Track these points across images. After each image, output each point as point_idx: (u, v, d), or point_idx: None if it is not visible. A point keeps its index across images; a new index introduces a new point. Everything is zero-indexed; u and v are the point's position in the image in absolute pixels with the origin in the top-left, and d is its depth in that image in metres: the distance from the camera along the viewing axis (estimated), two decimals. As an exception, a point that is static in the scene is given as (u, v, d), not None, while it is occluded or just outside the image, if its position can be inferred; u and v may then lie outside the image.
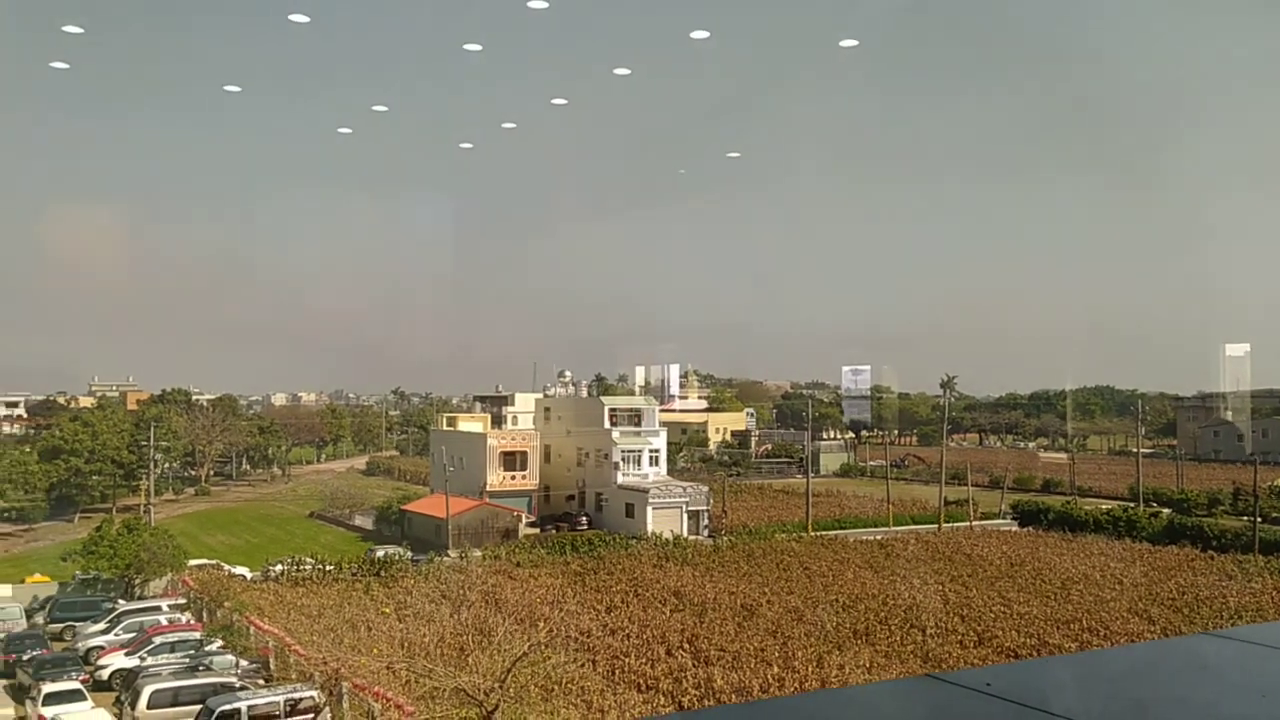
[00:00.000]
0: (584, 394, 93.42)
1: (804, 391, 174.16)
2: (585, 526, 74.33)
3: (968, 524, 74.18)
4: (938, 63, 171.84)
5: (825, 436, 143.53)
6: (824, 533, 69.42)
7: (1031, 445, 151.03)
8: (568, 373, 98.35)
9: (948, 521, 74.81)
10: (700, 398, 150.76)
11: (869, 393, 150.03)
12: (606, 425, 79.77)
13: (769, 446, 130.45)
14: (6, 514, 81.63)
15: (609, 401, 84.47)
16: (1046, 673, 4.44)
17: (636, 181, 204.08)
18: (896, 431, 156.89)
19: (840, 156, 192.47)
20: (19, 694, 36.62)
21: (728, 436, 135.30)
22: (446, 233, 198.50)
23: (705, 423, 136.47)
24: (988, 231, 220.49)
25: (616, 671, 34.09)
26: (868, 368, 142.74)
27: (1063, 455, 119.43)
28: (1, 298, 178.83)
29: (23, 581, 53.75)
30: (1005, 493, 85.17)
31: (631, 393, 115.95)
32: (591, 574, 53.00)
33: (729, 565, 55.54)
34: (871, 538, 65.91)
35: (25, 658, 38.28)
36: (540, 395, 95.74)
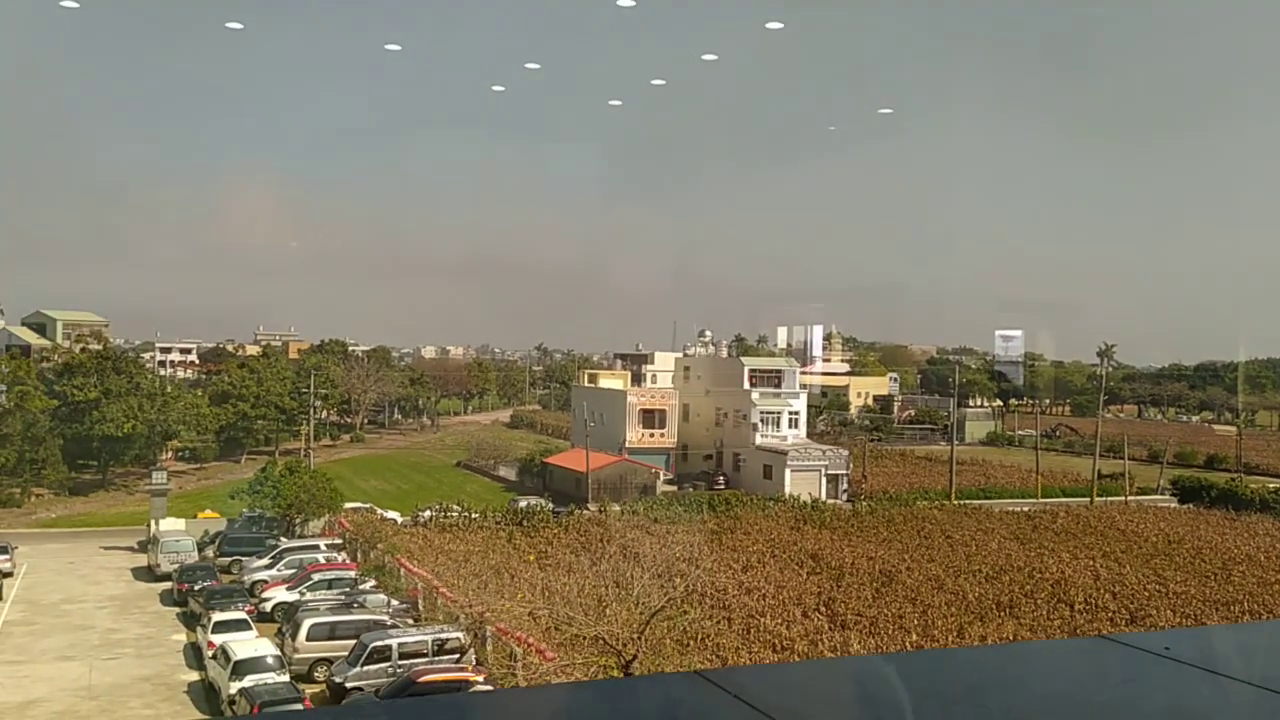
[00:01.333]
0: (724, 354, 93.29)
1: (950, 357, 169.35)
2: (723, 486, 74.52)
3: (1123, 499, 71.08)
4: (1099, 22, 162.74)
5: (972, 404, 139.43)
6: (968, 502, 67.69)
7: (1195, 419, 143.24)
8: (708, 332, 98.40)
9: (1101, 495, 71.82)
10: (843, 361, 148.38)
11: (1021, 359, 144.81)
12: (746, 386, 79.52)
13: (912, 412, 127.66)
14: (181, 453, 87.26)
15: (749, 362, 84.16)
16: (1231, 638, 4.19)
17: (786, 138, 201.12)
18: (1049, 400, 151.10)
19: (998, 115, 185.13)
20: (190, 621, 39.31)
21: (870, 401, 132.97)
22: (594, 190, 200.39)
23: (847, 386, 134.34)
24: (1155, 195, 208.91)
25: (751, 630, 34.22)
26: (1020, 333, 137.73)
27: (1230, 429, 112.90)
28: (180, 251, 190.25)
29: (195, 517, 57.36)
30: (1164, 467, 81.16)
31: (772, 354, 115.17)
32: (728, 533, 53.19)
33: (868, 530, 54.85)
34: (1018, 509, 63.88)
35: (197, 588, 40.93)
36: (680, 354, 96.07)
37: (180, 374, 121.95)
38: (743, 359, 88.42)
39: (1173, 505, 68.76)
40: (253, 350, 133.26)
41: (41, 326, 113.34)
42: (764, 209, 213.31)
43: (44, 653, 35.60)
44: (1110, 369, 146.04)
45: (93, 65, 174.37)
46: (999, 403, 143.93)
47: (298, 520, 54.53)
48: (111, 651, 35.87)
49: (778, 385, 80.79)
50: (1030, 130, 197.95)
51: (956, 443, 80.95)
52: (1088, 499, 70.68)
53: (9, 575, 45.80)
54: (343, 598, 38.80)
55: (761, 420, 77.40)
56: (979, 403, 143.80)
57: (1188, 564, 47.20)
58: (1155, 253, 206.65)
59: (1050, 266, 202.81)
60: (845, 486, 72.35)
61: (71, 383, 76.05)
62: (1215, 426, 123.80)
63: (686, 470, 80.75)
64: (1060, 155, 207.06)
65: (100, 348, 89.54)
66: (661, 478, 75.51)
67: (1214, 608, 39.01)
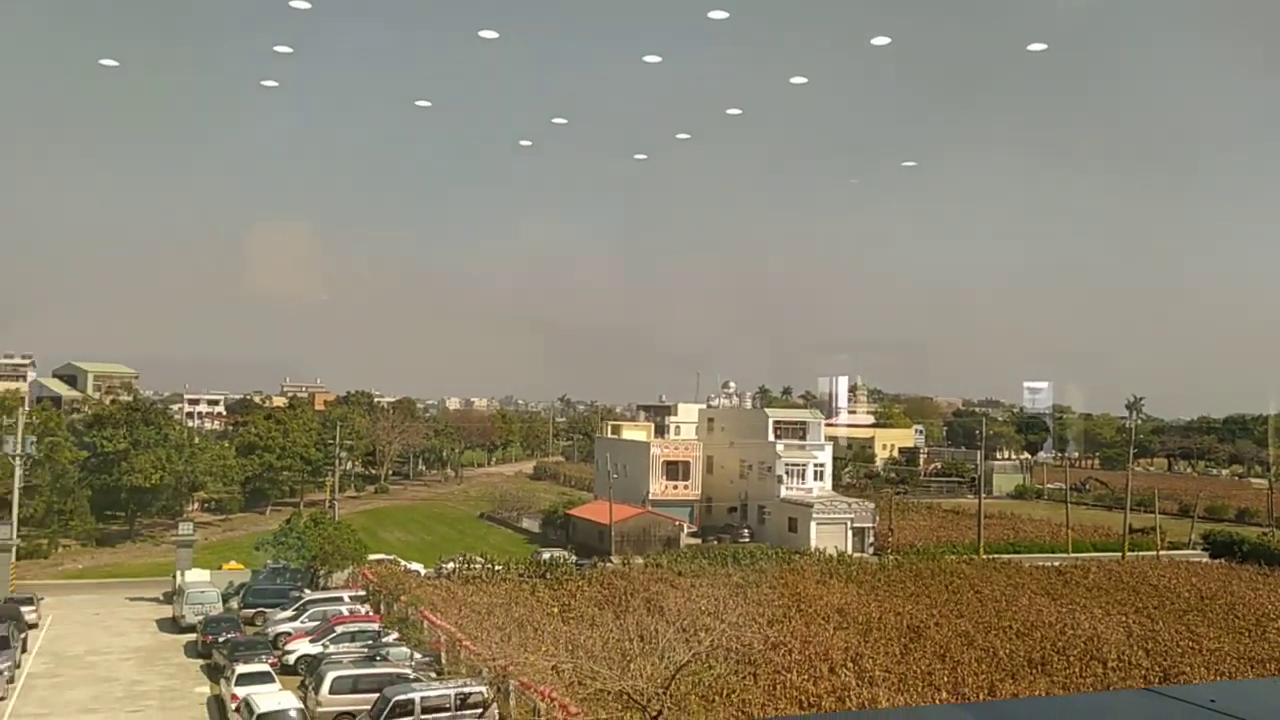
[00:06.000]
0: (748, 405, 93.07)
1: (977, 409, 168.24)
2: (747, 539, 73.97)
3: (1154, 553, 69.96)
4: (1132, 65, 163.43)
5: (999, 456, 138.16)
6: (997, 556, 66.80)
7: (1225, 472, 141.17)
8: (732, 384, 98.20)
9: (1132, 550, 70.75)
10: (868, 412, 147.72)
11: (1049, 412, 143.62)
12: (770, 437, 79.22)
13: (938, 465, 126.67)
14: (208, 504, 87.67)
15: (773, 413, 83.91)
16: (1274, 691, 4.15)
17: (810, 191, 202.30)
18: (1078, 454, 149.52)
19: (1024, 163, 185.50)
20: (214, 673, 39.22)
21: (895, 453, 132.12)
22: (618, 243, 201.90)
23: (872, 438, 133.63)
24: (1186, 243, 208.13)
25: (778, 687, 33.77)
26: (1048, 385, 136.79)
27: (1262, 483, 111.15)
28: (206, 305, 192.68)
29: (219, 568, 57.45)
30: (1195, 522, 79.90)
31: (796, 405, 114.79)
32: (753, 587, 52.66)
33: (895, 584, 54.18)
34: (1048, 564, 62.97)
35: (221, 640, 40.90)
36: (704, 406, 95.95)
37: (207, 425, 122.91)
38: (767, 410, 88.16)
39: (1204, 560, 67.62)
40: (279, 401, 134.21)
41: (73, 378, 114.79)
42: (789, 260, 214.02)
43: (67, 705, 35.58)
44: (1139, 421, 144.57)
45: (125, 119, 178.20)
46: (1027, 455, 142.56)
47: (322, 572, 54.52)
48: (135, 704, 35.82)
49: (802, 437, 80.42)
50: (1056, 177, 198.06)
51: (984, 496, 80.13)
52: (1119, 554, 69.61)
53: (34, 627, 45.92)
54: (366, 650, 38.68)
55: (786, 472, 76.95)
56: (1007, 455, 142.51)
57: (1221, 620, 46.29)
58: (1183, 302, 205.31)
59: (1077, 316, 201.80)
60: (871, 540, 71.62)
61: (101, 434, 76.78)
62: (1252, 480, 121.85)
63: (710, 522, 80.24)
64: (1085, 200, 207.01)
65: (130, 399, 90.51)
66: (685, 530, 75.04)
67: (1249, 664, 38.19)
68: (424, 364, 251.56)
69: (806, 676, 34.90)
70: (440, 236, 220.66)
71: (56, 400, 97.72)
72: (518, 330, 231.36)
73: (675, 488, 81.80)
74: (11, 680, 37.21)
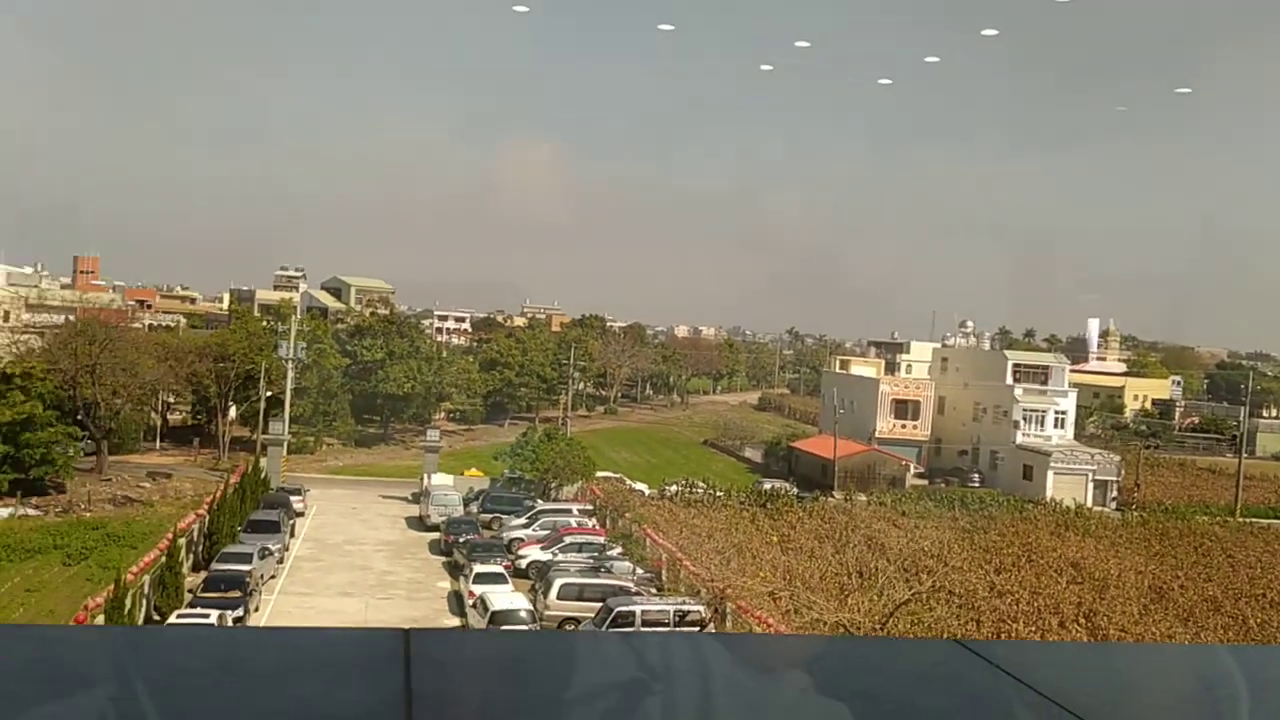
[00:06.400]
0: (986, 346, 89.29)
1: (1244, 362, 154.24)
2: (977, 484, 71.51)
3: None
4: None
5: (1266, 415, 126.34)
6: (1255, 520, 61.54)
7: None
8: (969, 323, 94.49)
9: None
10: (1119, 360, 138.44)
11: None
12: (1009, 381, 75.82)
13: (1196, 419, 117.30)
14: (452, 414, 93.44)
15: (1013, 356, 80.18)
16: None
17: (1067, 119, 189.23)
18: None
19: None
20: (454, 570, 42.16)
21: (1148, 405, 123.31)
22: (858, 171, 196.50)
23: (1122, 387, 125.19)
24: None
25: (1002, 635, 32.78)
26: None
27: None
28: (458, 226, 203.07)
29: (462, 474, 61.31)
30: None
31: (1039, 348, 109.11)
32: (981, 532, 51.07)
33: (1138, 542, 51.07)
34: (1317, 533, 57.49)
35: (461, 540, 43.79)
36: (938, 345, 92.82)
37: (454, 340, 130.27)
38: (1006, 352, 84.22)
39: None
40: (519, 321, 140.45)
41: (338, 291, 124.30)
42: (1041, 191, 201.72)
43: (328, 587, 39.27)
44: None
45: (376, 38, 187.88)
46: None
47: (553, 484, 57.13)
48: (385, 592, 39.09)
49: (1044, 382, 76.49)
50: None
51: (1245, 455, 73.74)
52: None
53: (301, 515, 50.76)
54: (591, 561, 40.35)
55: (1024, 418, 73.59)
56: (1275, 414, 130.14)
57: None
58: None
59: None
60: (1114, 494, 67.59)
61: (361, 343, 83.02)
62: None
63: (938, 465, 78.08)
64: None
65: (387, 313, 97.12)
66: (911, 470, 73.36)
67: None
68: (655, 290, 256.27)
69: (1033, 628, 33.69)
70: (677, 163, 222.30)
71: (324, 311, 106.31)
72: (748, 260, 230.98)
73: (903, 426, 79.92)
74: (281, 561, 41.41)
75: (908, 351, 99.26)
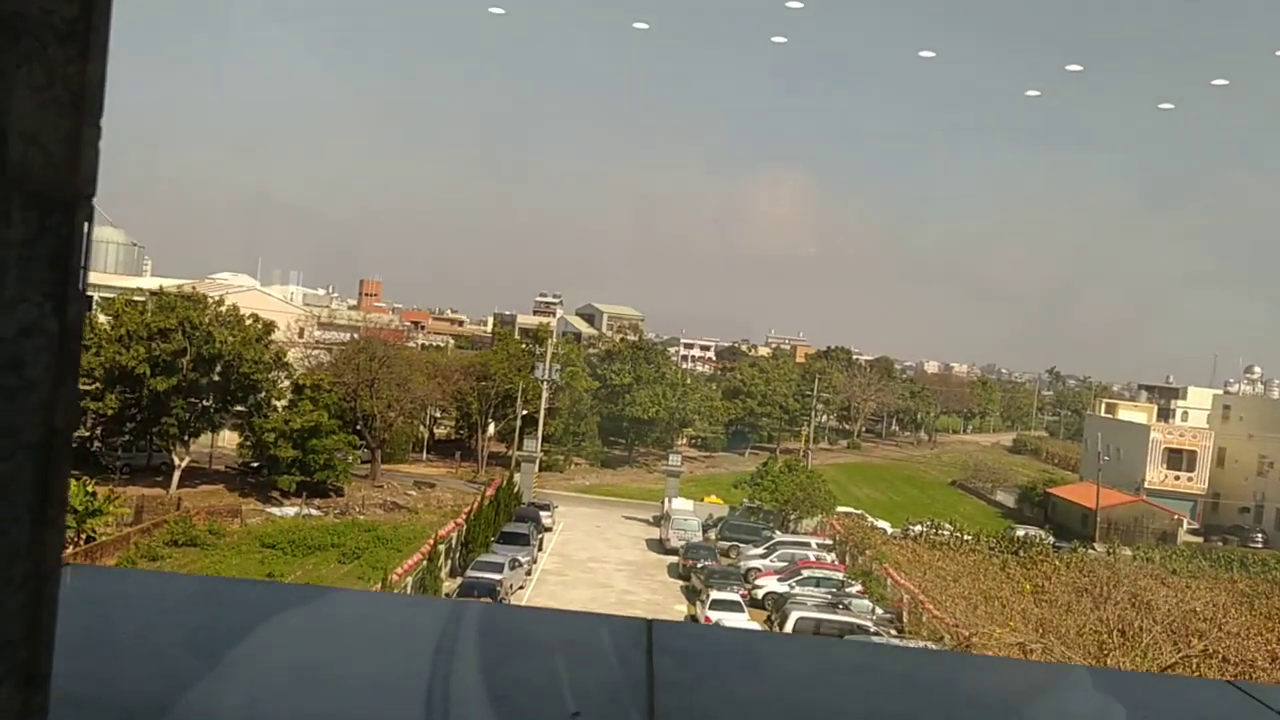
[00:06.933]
0: (1275, 394, 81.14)
1: None
2: (1260, 544, 64.96)
3: None
4: None
5: None
6: None
7: None
8: (1257, 369, 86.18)
9: None
10: None
11: None
12: (1303, 434, 68.54)
13: None
14: (694, 440, 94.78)
15: (1310, 406, 72.43)
16: None
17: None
18: None
19: None
20: (690, 595, 42.67)
21: None
22: (1130, 203, 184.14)
23: None
24: None
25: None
26: None
27: None
28: (696, 259, 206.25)
29: (701, 500, 61.96)
30: None
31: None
32: (1263, 598, 46.26)
33: None
34: None
35: (699, 565, 44.27)
36: (1219, 392, 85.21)
37: (699, 368, 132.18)
38: (1301, 402, 76.23)
39: None
40: (763, 351, 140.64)
41: (591, 317, 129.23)
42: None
43: (570, 602, 40.66)
44: None
45: (604, 78, 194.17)
46: None
47: (792, 516, 56.75)
48: (625, 611, 40.05)
49: (1346, 437, 68.61)
50: None
51: None
52: None
53: (549, 530, 52.96)
54: (829, 597, 39.75)
55: (1320, 476, 66.28)
56: None
57: None
58: None
59: None
60: None
61: (610, 368, 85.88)
62: None
63: (1215, 521, 71.49)
64: None
65: (636, 339, 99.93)
66: (1184, 525, 67.59)
67: None
68: (904, 324, 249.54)
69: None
70: (933, 193, 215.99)
71: (577, 335, 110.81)
72: (1005, 296, 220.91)
73: (1176, 478, 73.81)
74: (529, 573, 43.37)
75: (1183, 397, 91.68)
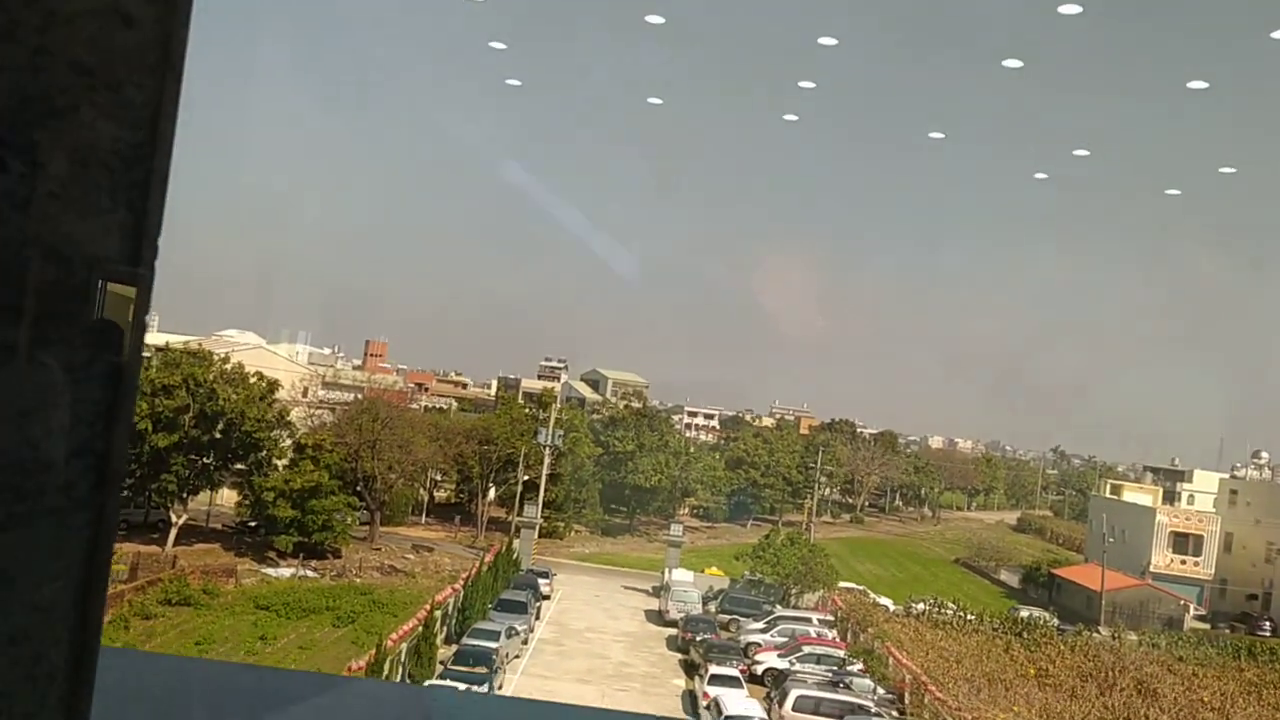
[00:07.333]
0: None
1: None
2: (1268, 633, 63.94)
3: None
4: None
5: None
6: None
7: None
8: (1264, 454, 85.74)
9: None
10: None
11: None
12: (1311, 520, 67.94)
13: None
14: (696, 510, 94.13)
15: (1317, 493, 71.88)
16: None
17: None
18: None
19: None
20: (689, 669, 41.99)
21: None
22: (1137, 291, 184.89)
23: None
24: None
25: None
26: None
27: None
28: (709, 326, 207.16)
29: (702, 571, 61.29)
30: None
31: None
32: (1271, 687, 45.48)
33: None
34: None
35: (698, 639, 43.63)
36: (1226, 476, 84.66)
37: (702, 437, 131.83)
38: (1308, 488, 75.67)
39: None
40: (768, 422, 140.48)
41: (596, 382, 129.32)
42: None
43: (567, 673, 40.10)
44: None
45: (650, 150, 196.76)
46: None
47: (793, 590, 56.09)
48: (622, 684, 39.44)
49: (1354, 525, 67.99)
50: None
51: None
52: None
53: (547, 598, 52.33)
54: (830, 675, 39.10)
55: (1328, 564, 65.53)
56: None
57: None
58: None
59: None
60: None
61: (614, 434, 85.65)
62: None
63: (1223, 608, 70.52)
64: None
65: (640, 406, 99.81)
66: (1191, 612, 66.68)
67: None
68: (909, 399, 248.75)
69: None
70: (937, 270, 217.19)
71: (581, 401, 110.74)
72: (1011, 374, 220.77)
73: (1182, 563, 72.99)
74: (525, 642, 42.75)
75: (1190, 480, 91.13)
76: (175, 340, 63.68)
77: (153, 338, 71.25)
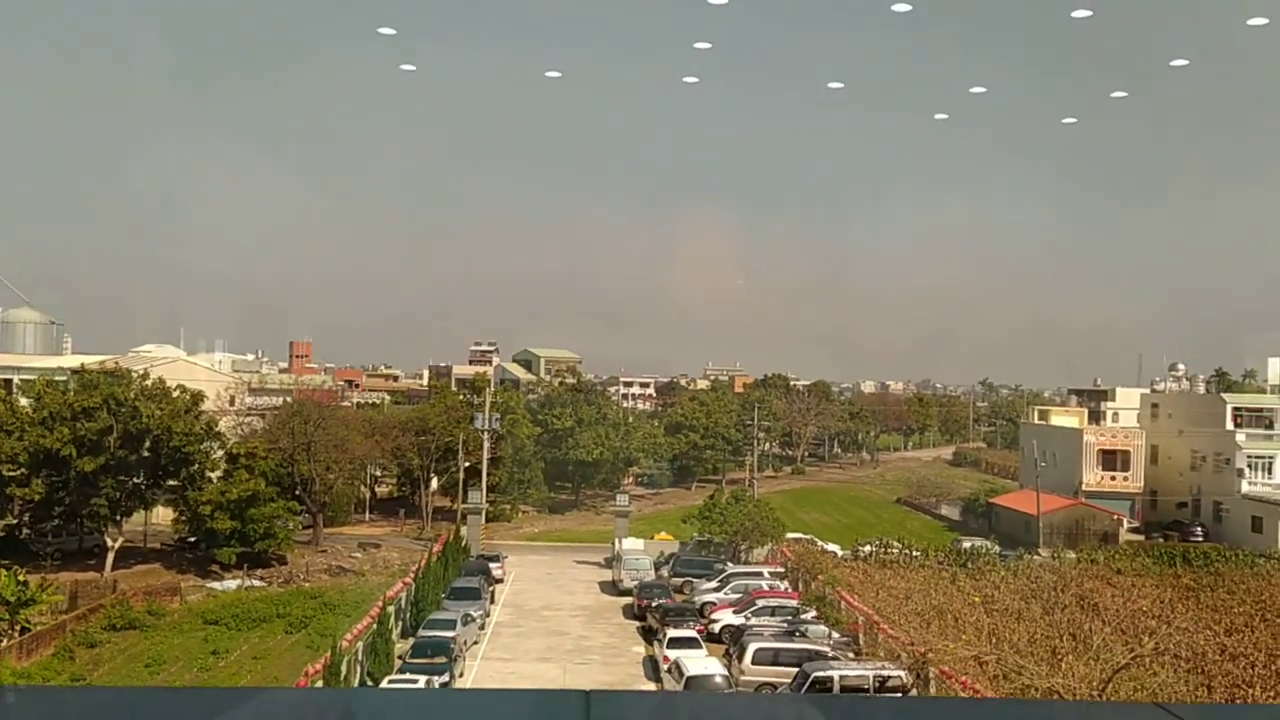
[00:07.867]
0: (1200, 390, 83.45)
1: None
2: (1200, 538, 66.49)
3: None
4: None
5: None
6: None
7: None
8: (1180, 366, 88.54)
9: None
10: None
11: None
12: (1229, 426, 70.53)
13: None
14: (640, 479, 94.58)
15: (1233, 399, 74.60)
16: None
17: (1272, 147, 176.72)
18: None
19: None
20: (647, 635, 42.36)
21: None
22: (1042, 215, 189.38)
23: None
24: None
25: (1237, 700, 30.18)
26: None
27: None
28: (637, 302, 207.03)
29: (652, 538, 61.73)
30: None
31: (1262, 390, 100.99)
32: (1207, 590, 47.39)
33: (1393, 600, 46.09)
34: None
35: (654, 604, 44.00)
36: (1147, 391, 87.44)
37: (639, 406, 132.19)
38: (1225, 395, 78.52)
39: None
40: (703, 384, 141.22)
41: (528, 363, 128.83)
42: (1244, 224, 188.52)
43: (527, 653, 40.18)
44: None
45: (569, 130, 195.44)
46: None
47: (743, 547, 56.79)
48: (582, 657, 39.65)
49: (1269, 426, 70.75)
50: None
51: None
52: None
53: (500, 581, 52.29)
54: (785, 625, 39.75)
55: (1249, 465, 68.13)
56: None
57: None
58: None
59: None
60: (1361, 546, 61.36)
61: (551, 413, 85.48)
62: None
63: (1155, 518, 73.09)
64: None
65: (575, 382, 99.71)
66: (1124, 525, 68.99)
67: None
68: (838, 348, 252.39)
69: (1272, 693, 30.87)
70: (853, 219, 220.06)
71: (515, 382, 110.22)
72: (934, 314, 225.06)
73: (1113, 479, 75.37)
74: (482, 627, 42.70)
75: (1113, 399, 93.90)
76: (90, 360, 61.70)
77: (66, 360, 69.03)
